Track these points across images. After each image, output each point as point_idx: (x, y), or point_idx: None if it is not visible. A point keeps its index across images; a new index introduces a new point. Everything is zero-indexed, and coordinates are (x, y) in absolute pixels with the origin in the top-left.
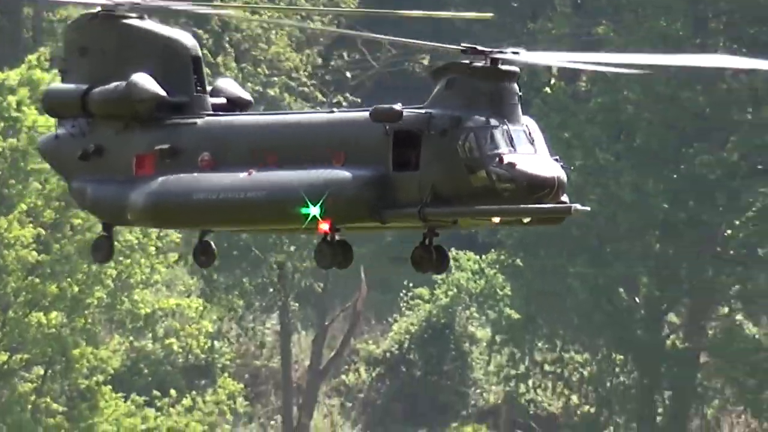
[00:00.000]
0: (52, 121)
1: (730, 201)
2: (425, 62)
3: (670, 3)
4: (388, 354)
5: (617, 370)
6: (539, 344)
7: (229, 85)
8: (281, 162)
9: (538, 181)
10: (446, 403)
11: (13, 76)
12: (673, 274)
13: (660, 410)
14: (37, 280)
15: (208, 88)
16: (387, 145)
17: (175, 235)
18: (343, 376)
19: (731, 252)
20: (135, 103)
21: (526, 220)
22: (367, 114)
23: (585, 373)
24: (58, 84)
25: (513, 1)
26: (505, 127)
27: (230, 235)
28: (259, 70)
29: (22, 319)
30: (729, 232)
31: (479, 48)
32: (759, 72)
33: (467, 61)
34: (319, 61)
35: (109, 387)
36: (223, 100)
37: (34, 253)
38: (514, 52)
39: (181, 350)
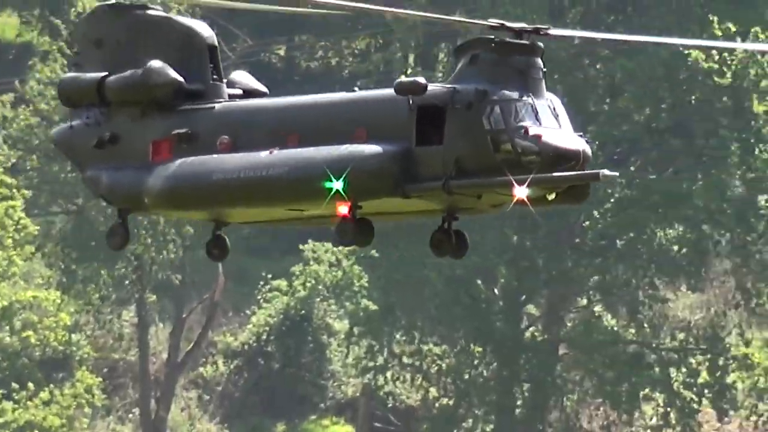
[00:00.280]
0: None
1: None
2: (281, 53)
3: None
4: (246, 346)
5: (476, 362)
6: (397, 336)
7: (244, 77)
8: (303, 142)
9: (563, 152)
10: (305, 395)
11: None
12: (531, 266)
13: (519, 402)
14: None
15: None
16: (411, 120)
17: (33, 228)
18: (201, 369)
19: (589, 243)
20: (152, 88)
21: (551, 197)
22: (390, 91)
23: (443, 365)
24: (73, 73)
25: None
26: (530, 100)
27: (92, 227)
28: None
29: None
30: (587, 223)
31: (507, 24)
32: (616, 61)
33: (491, 36)
34: None
35: None
36: (239, 92)
37: None
38: (542, 28)
39: (38, 343)
